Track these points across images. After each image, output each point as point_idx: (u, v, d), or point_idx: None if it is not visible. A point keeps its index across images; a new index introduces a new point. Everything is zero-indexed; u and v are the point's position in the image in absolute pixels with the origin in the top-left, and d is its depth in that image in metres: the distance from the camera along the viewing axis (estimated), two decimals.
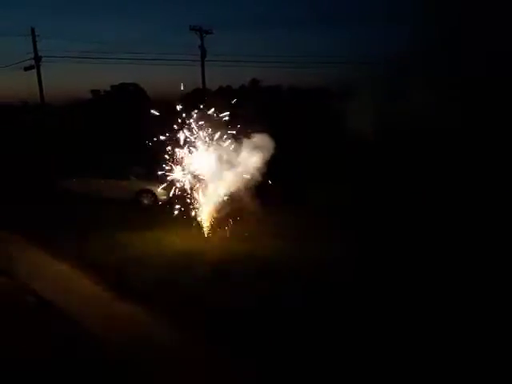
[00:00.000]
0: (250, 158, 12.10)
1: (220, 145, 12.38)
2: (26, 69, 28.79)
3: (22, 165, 19.92)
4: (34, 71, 28.81)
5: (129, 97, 41.13)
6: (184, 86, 13.12)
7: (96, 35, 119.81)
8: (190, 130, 12.46)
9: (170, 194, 12.96)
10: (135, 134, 23.28)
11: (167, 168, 12.56)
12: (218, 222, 12.59)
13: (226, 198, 12.40)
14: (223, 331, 7.35)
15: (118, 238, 12.40)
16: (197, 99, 12.72)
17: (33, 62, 28.58)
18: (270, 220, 12.98)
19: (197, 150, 12.45)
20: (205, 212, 12.71)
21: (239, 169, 12.17)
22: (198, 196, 12.62)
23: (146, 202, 16.52)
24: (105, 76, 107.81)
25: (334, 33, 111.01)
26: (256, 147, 12.13)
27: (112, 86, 45.83)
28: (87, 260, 10.77)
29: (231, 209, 12.34)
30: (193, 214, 12.64)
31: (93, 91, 46.80)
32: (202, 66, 32.63)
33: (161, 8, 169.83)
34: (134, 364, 6.69)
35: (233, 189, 12.21)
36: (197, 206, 12.68)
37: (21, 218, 14.61)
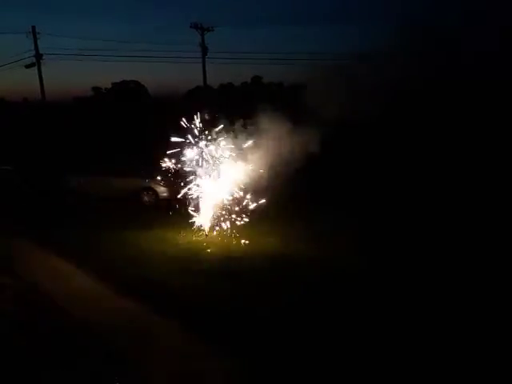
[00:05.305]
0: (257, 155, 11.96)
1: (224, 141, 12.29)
2: (28, 66, 28.90)
3: (25, 163, 19.92)
4: (35, 69, 28.93)
5: (130, 94, 41.18)
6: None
7: (97, 33, 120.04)
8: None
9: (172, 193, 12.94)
10: (136, 132, 23.40)
11: (169, 166, 12.55)
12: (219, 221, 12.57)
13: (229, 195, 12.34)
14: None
15: (120, 237, 12.43)
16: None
17: (34, 60, 28.70)
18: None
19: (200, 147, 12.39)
20: (206, 210, 12.66)
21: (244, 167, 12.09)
22: (200, 194, 12.60)
23: (147, 200, 16.56)
24: (106, 74, 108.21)
25: (335, 30, 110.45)
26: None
27: (113, 84, 45.95)
28: (90, 258, 10.80)
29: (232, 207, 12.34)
30: (194, 212, 12.63)
31: (94, 88, 46.89)
32: (203, 63, 32.70)
33: (162, 6, 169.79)
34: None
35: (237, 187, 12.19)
36: (198, 204, 12.65)
37: (24, 216, 14.76)
